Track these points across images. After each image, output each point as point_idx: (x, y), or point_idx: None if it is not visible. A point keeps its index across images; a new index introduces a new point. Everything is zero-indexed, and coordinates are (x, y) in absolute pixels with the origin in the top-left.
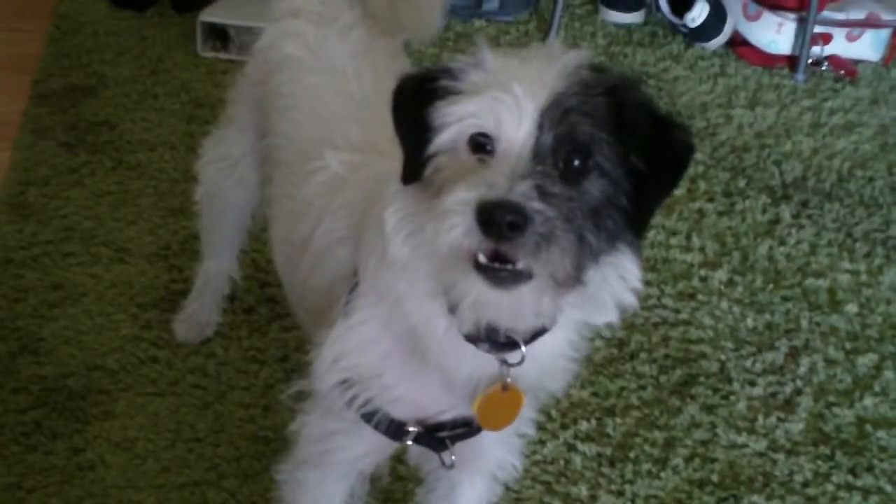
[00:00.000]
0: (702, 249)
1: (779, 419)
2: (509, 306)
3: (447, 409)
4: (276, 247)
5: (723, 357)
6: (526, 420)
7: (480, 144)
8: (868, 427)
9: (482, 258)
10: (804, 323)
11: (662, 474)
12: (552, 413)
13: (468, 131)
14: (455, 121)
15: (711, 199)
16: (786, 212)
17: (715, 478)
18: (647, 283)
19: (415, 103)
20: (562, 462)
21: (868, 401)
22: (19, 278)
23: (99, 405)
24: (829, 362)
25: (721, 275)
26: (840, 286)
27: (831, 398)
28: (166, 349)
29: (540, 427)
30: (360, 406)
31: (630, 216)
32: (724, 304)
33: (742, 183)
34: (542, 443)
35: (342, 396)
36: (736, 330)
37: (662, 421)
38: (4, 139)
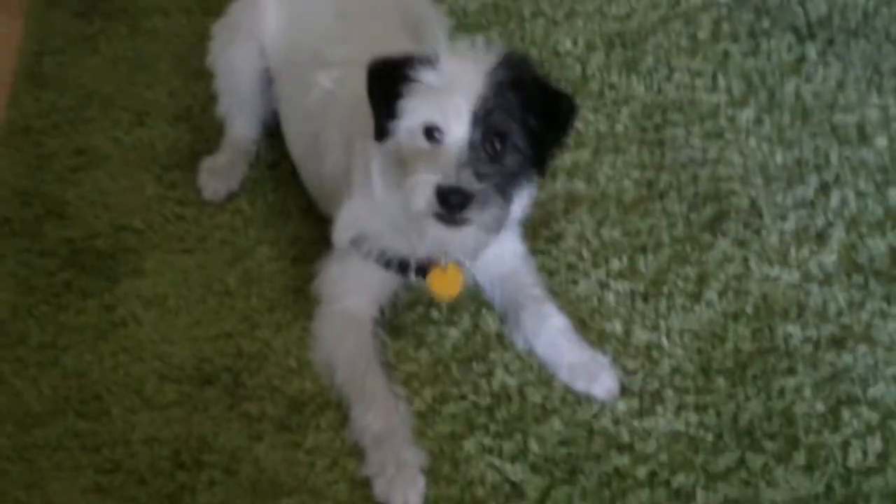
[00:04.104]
0: (728, 90)
1: (811, 251)
2: (459, 241)
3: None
4: (292, 141)
5: (753, 193)
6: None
7: (431, 132)
8: None
9: (439, 210)
10: (833, 158)
11: (696, 308)
12: (583, 253)
13: (423, 121)
14: (414, 113)
15: (736, 40)
16: (811, 50)
17: (749, 309)
18: (674, 125)
19: (384, 83)
20: (595, 300)
21: None
22: (40, 146)
23: (128, 263)
24: (860, 195)
25: (748, 113)
26: (869, 121)
27: (863, 229)
28: (192, 207)
29: (571, 267)
30: (375, 256)
31: (536, 162)
32: (753, 142)
33: (766, 23)
34: (575, 282)
35: (358, 249)
36: (765, 166)
37: (694, 256)
38: (14, 5)
